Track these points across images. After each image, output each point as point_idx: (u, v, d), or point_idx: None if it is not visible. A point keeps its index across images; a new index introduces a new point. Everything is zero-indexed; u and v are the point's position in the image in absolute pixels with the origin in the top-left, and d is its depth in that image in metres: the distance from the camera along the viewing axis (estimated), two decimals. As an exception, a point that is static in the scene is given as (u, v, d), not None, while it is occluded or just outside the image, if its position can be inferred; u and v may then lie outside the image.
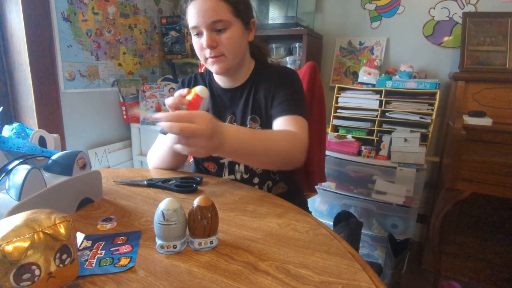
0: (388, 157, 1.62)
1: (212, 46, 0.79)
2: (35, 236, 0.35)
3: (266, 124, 0.87)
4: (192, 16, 0.78)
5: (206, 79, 0.96)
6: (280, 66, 0.96)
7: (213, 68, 0.84)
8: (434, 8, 1.80)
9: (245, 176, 0.90)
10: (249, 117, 0.89)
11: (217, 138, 0.60)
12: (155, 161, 0.92)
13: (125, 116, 1.96)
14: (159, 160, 0.91)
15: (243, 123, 0.89)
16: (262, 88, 0.89)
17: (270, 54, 1.01)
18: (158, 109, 1.89)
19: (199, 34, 0.81)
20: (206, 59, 0.83)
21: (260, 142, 0.69)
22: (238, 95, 0.91)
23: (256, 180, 0.91)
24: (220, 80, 0.93)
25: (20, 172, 0.50)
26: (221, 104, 0.93)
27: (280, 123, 0.81)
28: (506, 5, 1.63)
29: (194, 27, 0.79)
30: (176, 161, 0.90)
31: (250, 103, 0.89)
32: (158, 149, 0.91)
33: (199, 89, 0.70)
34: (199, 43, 0.81)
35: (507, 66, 1.51)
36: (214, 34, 0.79)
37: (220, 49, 0.80)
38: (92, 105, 1.80)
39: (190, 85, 0.96)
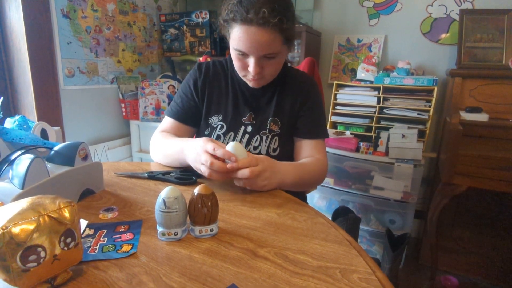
0: (386, 153, 1.63)
1: (259, 73, 0.80)
2: (41, 219, 0.36)
3: (286, 128, 0.90)
4: (241, 41, 0.75)
5: (227, 69, 0.95)
6: (301, 72, 0.98)
7: (250, 83, 0.86)
8: (432, 6, 1.81)
9: None
10: (270, 119, 0.89)
11: (276, 177, 0.72)
12: (161, 158, 0.88)
13: (124, 113, 1.96)
14: (166, 158, 0.86)
15: (263, 123, 0.89)
16: (288, 94, 0.91)
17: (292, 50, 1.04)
18: (158, 106, 1.90)
19: (243, 54, 0.78)
20: (245, 75, 0.85)
21: (306, 175, 0.82)
22: (260, 93, 0.92)
23: None
24: None
25: (23, 161, 0.51)
26: (242, 97, 0.93)
27: (307, 146, 0.90)
28: (503, 2, 1.65)
29: (241, 51, 0.77)
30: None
31: (273, 105, 0.90)
32: (167, 144, 0.85)
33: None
34: (242, 62, 0.80)
35: (503, 63, 1.53)
36: (262, 59, 0.78)
37: (263, 73, 0.81)
38: (92, 102, 1.80)
39: (208, 72, 0.94)
